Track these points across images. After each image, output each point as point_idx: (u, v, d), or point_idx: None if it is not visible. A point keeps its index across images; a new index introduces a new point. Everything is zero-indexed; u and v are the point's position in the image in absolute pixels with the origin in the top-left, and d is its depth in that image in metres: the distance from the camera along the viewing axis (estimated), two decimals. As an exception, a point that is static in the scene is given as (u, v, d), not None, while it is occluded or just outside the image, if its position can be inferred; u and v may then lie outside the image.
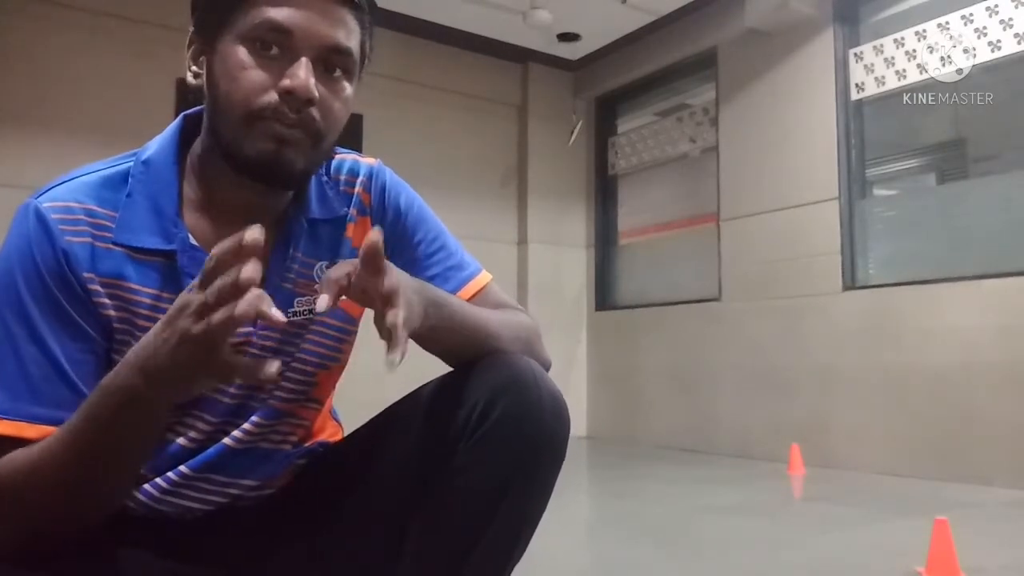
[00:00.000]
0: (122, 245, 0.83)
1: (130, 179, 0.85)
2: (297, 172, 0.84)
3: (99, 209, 0.83)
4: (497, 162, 6.18)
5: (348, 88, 0.86)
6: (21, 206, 0.83)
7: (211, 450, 0.90)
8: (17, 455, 0.74)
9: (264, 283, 0.86)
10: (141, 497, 0.88)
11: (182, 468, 0.89)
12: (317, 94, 0.80)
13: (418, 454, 0.88)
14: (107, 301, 0.82)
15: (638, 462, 4.76)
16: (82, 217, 0.82)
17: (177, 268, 0.84)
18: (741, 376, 4.90)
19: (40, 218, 0.81)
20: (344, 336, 0.99)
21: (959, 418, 3.76)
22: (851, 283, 4.39)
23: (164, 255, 0.84)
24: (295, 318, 0.91)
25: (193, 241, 0.85)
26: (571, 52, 6.08)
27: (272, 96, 0.79)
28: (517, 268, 6.14)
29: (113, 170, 0.86)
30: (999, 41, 3.85)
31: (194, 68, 0.86)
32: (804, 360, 4.52)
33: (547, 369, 0.95)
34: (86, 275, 0.81)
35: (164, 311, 0.80)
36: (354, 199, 0.98)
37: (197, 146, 0.89)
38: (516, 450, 0.83)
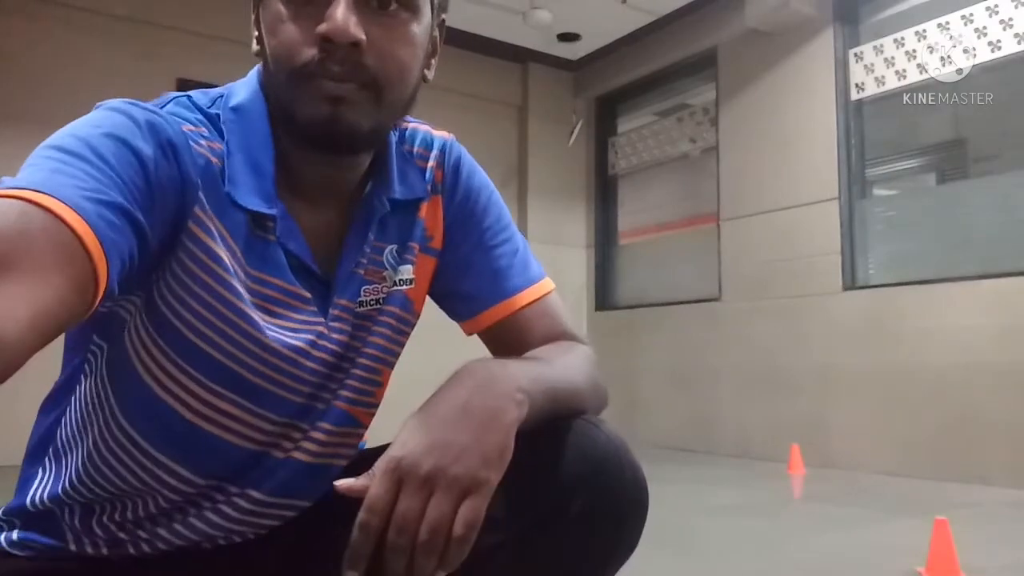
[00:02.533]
0: (228, 198, 0.71)
1: (223, 126, 0.73)
2: (364, 133, 0.71)
3: (219, 146, 0.71)
4: (497, 162, 6.17)
5: (413, 25, 0.72)
6: (121, 105, 0.68)
7: (284, 471, 0.79)
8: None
9: (337, 269, 0.78)
10: (213, 517, 0.78)
11: (254, 493, 0.78)
12: (362, 35, 0.67)
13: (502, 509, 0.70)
14: (198, 238, 0.69)
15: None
16: (205, 144, 0.70)
17: (272, 242, 0.73)
18: (741, 376, 4.89)
19: (163, 118, 0.67)
20: (406, 328, 0.87)
21: (959, 418, 3.76)
22: (851, 283, 4.39)
23: (261, 222, 0.73)
24: (361, 308, 0.81)
25: (287, 209, 0.74)
26: (571, 52, 6.08)
27: (312, 49, 0.67)
28: (517, 268, 6.13)
29: (201, 108, 0.73)
30: (999, 41, 3.85)
31: (256, 33, 0.74)
32: (804, 360, 4.52)
33: (606, 403, 0.87)
34: (200, 194, 0.68)
35: (258, 287, 0.73)
36: (427, 174, 0.86)
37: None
38: (593, 546, 0.76)
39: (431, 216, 0.86)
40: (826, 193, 4.51)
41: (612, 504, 0.75)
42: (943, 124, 4.35)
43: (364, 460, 0.76)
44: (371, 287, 0.81)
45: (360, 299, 0.81)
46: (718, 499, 3.45)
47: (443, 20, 0.80)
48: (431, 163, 0.87)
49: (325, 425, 0.80)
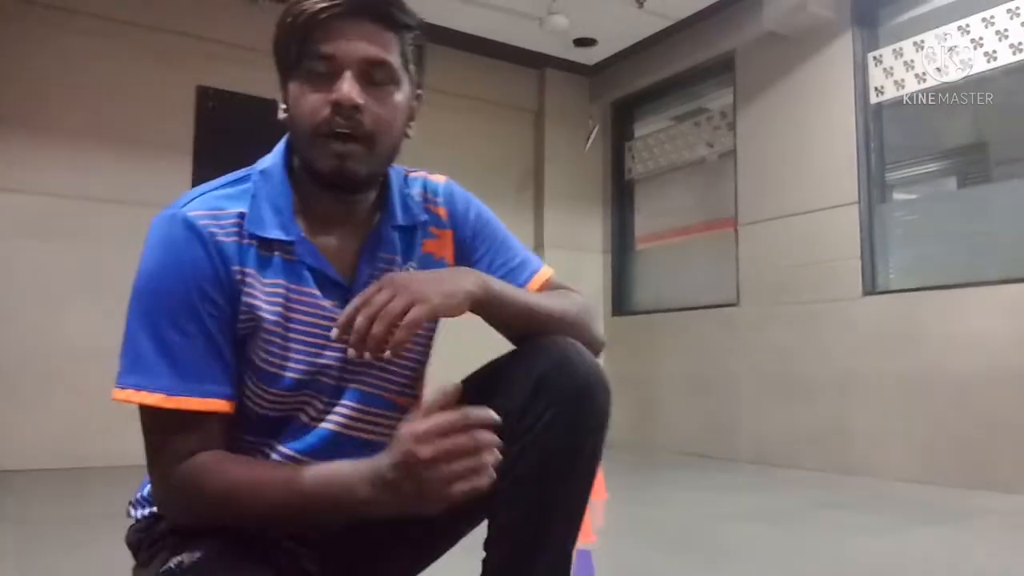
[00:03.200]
0: (253, 236, 0.98)
1: (252, 185, 1.01)
2: (362, 177, 0.99)
3: (238, 211, 0.98)
4: (514, 167, 6.18)
5: (396, 94, 0.99)
6: (164, 217, 0.96)
7: (316, 437, 1.03)
8: (210, 466, 0.92)
9: (354, 282, 1.03)
10: None
11: (288, 451, 1.03)
12: (361, 100, 0.94)
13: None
14: (248, 290, 0.97)
15: (656, 468, 4.74)
16: (228, 221, 0.97)
17: (296, 261, 1.00)
18: (760, 382, 4.86)
19: (189, 225, 0.95)
20: (433, 333, 1.14)
21: (981, 424, 3.72)
22: (871, 288, 4.35)
23: (284, 247, 0.99)
24: None
25: (304, 235, 1.01)
26: (587, 57, 6.09)
27: (326, 111, 0.94)
28: (534, 273, 6.13)
29: (238, 180, 1.02)
30: (1020, 43, 3.81)
31: (283, 106, 1.02)
32: (824, 366, 4.49)
33: (601, 346, 1.13)
34: (235, 268, 0.96)
35: (291, 299, 0.99)
36: (431, 214, 1.13)
37: (294, 163, 1.05)
38: (563, 417, 0.99)
39: (439, 248, 1.13)
40: (845, 197, 4.48)
41: (572, 378, 0.99)
42: (964, 127, 4.31)
43: None
44: None
45: None
46: (736, 506, 3.43)
47: (420, 94, 1.07)
48: (434, 206, 1.13)
49: (351, 403, 1.05)
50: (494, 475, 0.84)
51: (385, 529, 1.02)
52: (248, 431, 1.02)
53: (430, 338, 1.13)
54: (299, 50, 0.96)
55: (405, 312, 0.90)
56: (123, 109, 4.66)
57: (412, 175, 1.14)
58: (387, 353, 0.91)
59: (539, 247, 6.13)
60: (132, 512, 1.06)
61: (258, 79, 4.73)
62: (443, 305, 0.93)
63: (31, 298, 4.34)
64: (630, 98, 6.30)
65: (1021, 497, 3.45)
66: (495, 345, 1.12)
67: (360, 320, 0.89)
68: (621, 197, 6.36)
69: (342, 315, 0.92)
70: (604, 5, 5.16)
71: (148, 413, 0.93)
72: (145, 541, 1.01)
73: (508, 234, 1.19)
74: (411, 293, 0.91)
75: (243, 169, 1.05)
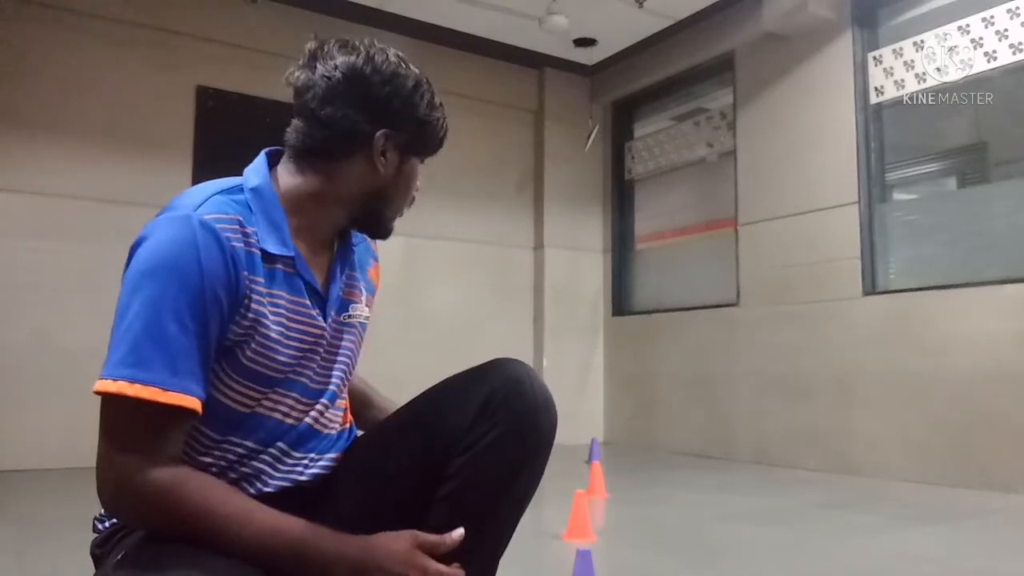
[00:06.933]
0: (261, 250, 1.02)
1: (248, 201, 1.05)
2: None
3: (244, 220, 1.02)
4: (513, 167, 6.18)
5: None
6: (178, 217, 0.96)
7: (304, 429, 1.12)
8: (194, 483, 0.92)
9: (327, 292, 1.13)
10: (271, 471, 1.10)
11: (282, 445, 1.10)
12: None
13: (442, 436, 1.10)
14: (257, 297, 1.01)
15: (655, 468, 4.74)
16: (237, 227, 1.00)
17: (294, 274, 1.07)
18: (759, 382, 4.86)
19: (207, 228, 0.96)
20: (364, 331, 1.24)
21: (981, 424, 3.72)
22: (871, 288, 4.35)
23: (285, 261, 1.06)
24: (350, 320, 1.18)
25: (299, 251, 1.09)
26: (587, 57, 6.08)
27: (415, 193, 1.19)
28: (533, 273, 6.14)
29: (232, 189, 1.05)
30: (1020, 43, 3.81)
31: (381, 159, 1.11)
32: (824, 366, 4.49)
33: None
34: (245, 273, 0.99)
35: (291, 309, 1.07)
36: (370, 247, 1.30)
37: (291, 182, 1.09)
38: (520, 431, 1.08)
39: (376, 274, 1.29)
40: (845, 197, 4.48)
41: (526, 399, 1.08)
42: (963, 127, 4.31)
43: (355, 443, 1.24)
44: (355, 305, 1.19)
45: (347, 314, 1.17)
46: (736, 506, 3.43)
47: None
48: (373, 242, 1.30)
49: (326, 401, 1.15)
50: None
51: None
52: (220, 429, 1.04)
53: (363, 337, 1.23)
54: (430, 143, 1.17)
55: None
56: (123, 109, 4.66)
57: None
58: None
59: (539, 247, 6.13)
60: (98, 526, 1.05)
61: (258, 79, 4.74)
62: None
63: (31, 298, 4.34)
64: (630, 98, 6.29)
65: (1021, 497, 3.45)
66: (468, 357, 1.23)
67: None
68: (621, 197, 6.36)
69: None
70: (604, 5, 5.16)
71: (133, 406, 0.88)
72: (106, 552, 1.01)
73: None
74: None
75: (230, 179, 1.08)
